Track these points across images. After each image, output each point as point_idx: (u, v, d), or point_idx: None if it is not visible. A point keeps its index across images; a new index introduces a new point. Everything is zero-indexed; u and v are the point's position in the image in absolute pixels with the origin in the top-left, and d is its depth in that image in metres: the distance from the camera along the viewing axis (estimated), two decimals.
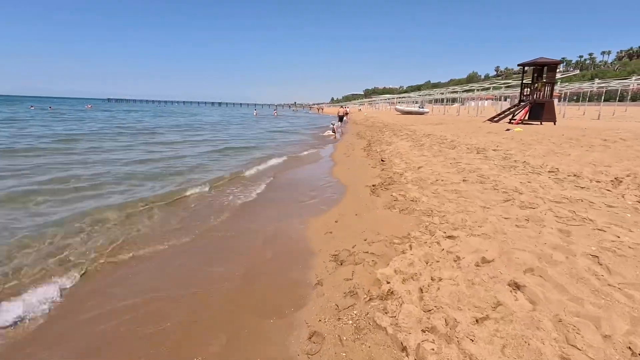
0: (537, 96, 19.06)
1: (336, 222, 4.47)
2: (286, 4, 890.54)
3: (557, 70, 30.45)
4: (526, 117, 19.06)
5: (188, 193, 6.09)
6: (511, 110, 20.34)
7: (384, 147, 10.90)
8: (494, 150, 8.12)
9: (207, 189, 6.45)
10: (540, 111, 18.92)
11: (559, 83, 53.40)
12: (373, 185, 6.00)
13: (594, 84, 43.92)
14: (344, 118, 33.70)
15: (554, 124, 19.03)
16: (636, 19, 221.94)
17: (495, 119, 20.21)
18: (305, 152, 12.40)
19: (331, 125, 20.38)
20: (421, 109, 37.90)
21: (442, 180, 5.66)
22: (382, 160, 8.33)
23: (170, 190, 6.23)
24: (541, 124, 19.27)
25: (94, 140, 14.00)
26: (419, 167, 6.90)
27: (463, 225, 3.69)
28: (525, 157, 6.97)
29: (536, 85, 19.10)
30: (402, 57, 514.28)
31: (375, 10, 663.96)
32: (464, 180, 5.50)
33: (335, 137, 19.58)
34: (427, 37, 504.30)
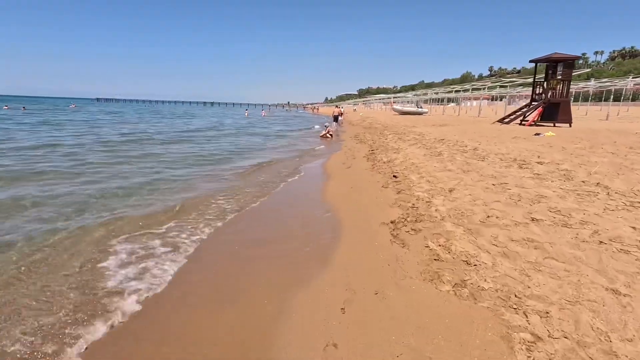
0: (552, 95, 17.38)
1: (342, 311, 2.53)
2: (281, 6, 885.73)
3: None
4: (539, 119, 17.40)
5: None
6: (522, 110, 18.64)
7: (391, 155, 9.01)
8: (538, 162, 6.26)
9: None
10: (555, 112, 17.23)
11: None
12: (392, 222, 4.09)
13: (590, 82, 43.18)
14: (339, 118, 31.87)
15: (570, 125, 17.38)
16: (626, 19, 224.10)
17: (506, 121, 18.49)
18: (295, 162, 10.46)
19: (325, 126, 18.44)
20: (420, 109, 36.20)
21: (497, 217, 3.76)
22: (394, 176, 6.42)
23: None
24: (554, 125, 17.62)
25: (30, 161, 9.33)
26: (450, 190, 5.00)
27: (609, 353, 1.78)
28: (592, 176, 5.12)
29: (550, 83, 17.43)
30: (396, 58, 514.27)
31: (368, 11, 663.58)
32: (532, 220, 3.61)
33: (330, 137, 17.68)
34: (420, 38, 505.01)
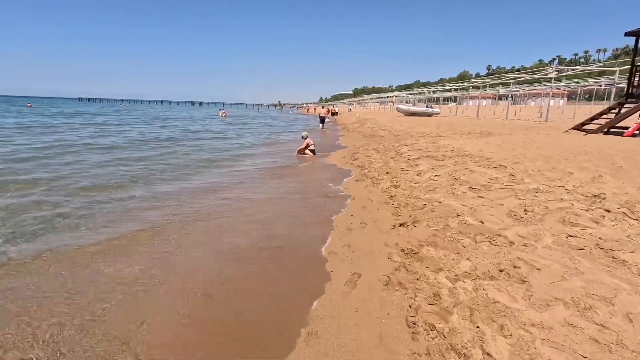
0: None
1: None
2: (274, 4, 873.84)
3: (554, 70, 22.55)
4: None
5: None
6: (612, 112, 11.97)
7: (506, 283, 2.21)
8: None
9: None
10: None
11: (563, 81, 45.66)
12: None
13: (602, 79, 38.67)
14: (326, 119, 25.79)
15: None
16: (627, 17, 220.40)
17: (588, 128, 11.81)
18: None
19: (303, 137, 11.61)
20: (430, 109, 29.52)
21: None
22: None
23: None
24: None
25: None
26: None
27: None
28: None
29: None
30: (391, 57, 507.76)
31: (363, 10, 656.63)
32: None
33: (311, 155, 10.96)
34: (416, 36, 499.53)
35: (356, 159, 9.11)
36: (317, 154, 11.15)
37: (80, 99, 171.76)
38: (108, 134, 17.91)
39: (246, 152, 12.82)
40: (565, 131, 12.13)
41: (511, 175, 5.05)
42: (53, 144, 13.19)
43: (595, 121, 12.06)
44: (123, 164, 9.13)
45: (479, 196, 4.36)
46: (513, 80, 25.01)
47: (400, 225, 3.92)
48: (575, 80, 39.53)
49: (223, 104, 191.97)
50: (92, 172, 8.01)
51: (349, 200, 5.64)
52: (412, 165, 6.77)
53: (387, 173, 6.66)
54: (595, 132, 11.23)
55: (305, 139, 11.24)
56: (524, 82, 41.87)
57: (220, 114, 44.44)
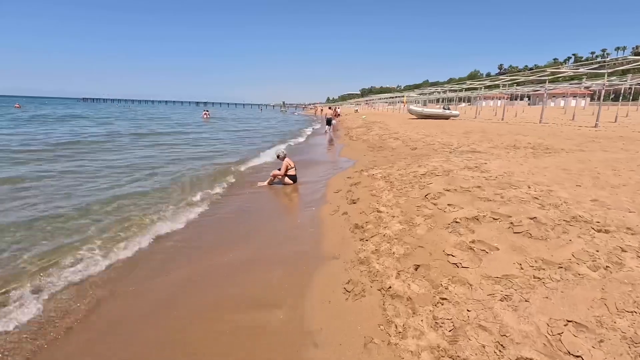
0: None
1: None
2: (282, 3, 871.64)
3: (562, 66, 18.59)
4: None
5: None
6: None
7: None
8: None
9: None
10: None
11: (584, 79, 41.54)
12: None
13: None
14: (333, 121, 22.64)
15: None
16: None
17: None
18: None
19: (279, 155, 7.92)
20: (447, 111, 25.65)
21: None
22: None
23: None
24: None
25: None
26: None
27: None
28: None
29: None
30: (399, 56, 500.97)
31: (370, 8, 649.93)
32: None
33: (289, 184, 7.34)
34: (424, 35, 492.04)
35: (354, 202, 5.40)
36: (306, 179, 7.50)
37: (84, 99, 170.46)
38: None
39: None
40: None
41: None
42: None
43: None
44: None
45: None
46: (550, 77, 21.01)
47: None
48: (613, 77, 35.29)
49: (228, 104, 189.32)
50: None
51: None
52: (470, 248, 3.05)
53: (417, 267, 2.97)
54: None
55: (283, 159, 7.59)
56: (556, 80, 37.84)
57: (203, 116, 40.97)
